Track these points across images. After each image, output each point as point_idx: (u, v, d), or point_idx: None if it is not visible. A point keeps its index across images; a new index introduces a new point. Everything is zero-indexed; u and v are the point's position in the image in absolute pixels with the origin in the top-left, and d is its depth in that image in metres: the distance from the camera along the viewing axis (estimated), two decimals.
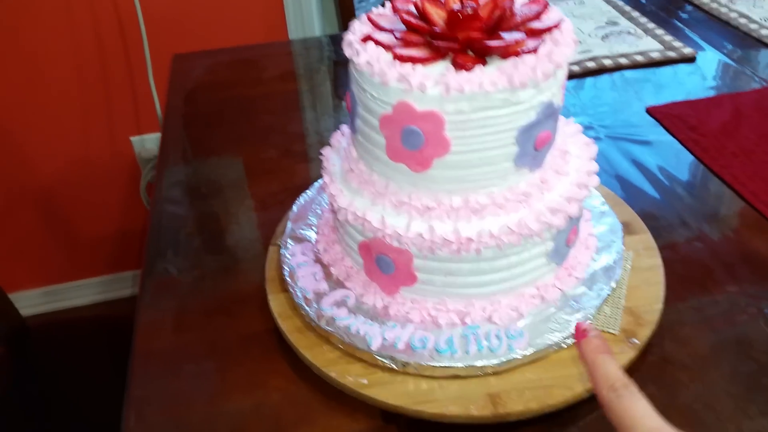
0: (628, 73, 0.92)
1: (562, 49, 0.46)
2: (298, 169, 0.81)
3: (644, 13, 1.05)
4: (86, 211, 1.70)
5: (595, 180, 0.53)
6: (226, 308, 0.62)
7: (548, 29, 0.47)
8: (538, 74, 0.44)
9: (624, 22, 1.02)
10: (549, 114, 0.48)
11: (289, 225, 0.66)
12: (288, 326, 0.56)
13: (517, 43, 0.45)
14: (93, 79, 1.47)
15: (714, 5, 1.05)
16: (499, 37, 0.46)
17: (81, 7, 1.37)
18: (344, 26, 1.28)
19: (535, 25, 0.48)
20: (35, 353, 1.60)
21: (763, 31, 0.96)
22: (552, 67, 0.45)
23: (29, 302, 1.78)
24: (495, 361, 0.50)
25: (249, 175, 0.81)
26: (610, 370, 0.37)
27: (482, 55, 0.46)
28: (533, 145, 0.48)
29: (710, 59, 0.94)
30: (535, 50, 0.45)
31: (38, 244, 1.71)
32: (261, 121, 0.92)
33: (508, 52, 0.45)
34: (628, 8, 1.06)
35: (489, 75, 0.44)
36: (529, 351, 0.50)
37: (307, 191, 0.71)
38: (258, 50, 1.15)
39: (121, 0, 1.37)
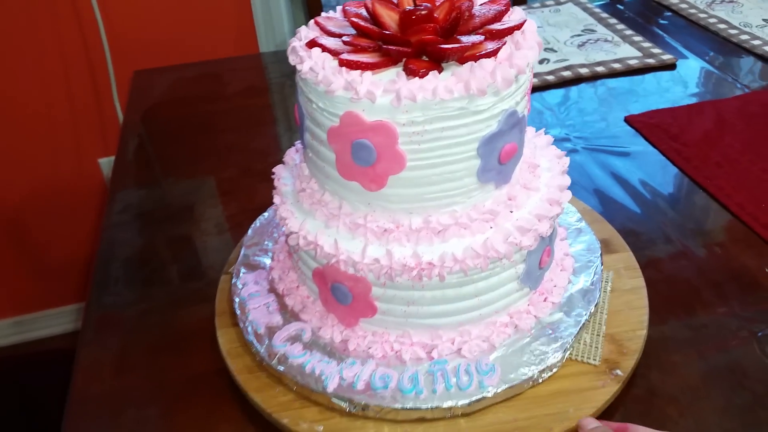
0: (606, 82, 0.88)
1: (525, 52, 0.41)
2: (259, 189, 0.75)
3: (622, 19, 1.01)
4: (56, 238, 1.64)
5: (568, 195, 0.48)
6: (173, 345, 0.57)
7: (509, 31, 0.43)
8: (497, 80, 0.40)
9: (601, 30, 0.98)
10: (513, 124, 0.43)
11: (243, 251, 0.61)
12: (237, 366, 0.51)
13: (475, 46, 0.41)
14: (58, 101, 1.42)
15: (693, 11, 1.02)
16: (456, 41, 0.41)
17: (44, 24, 1.32)
18: None
19: (496, 26, 0.43)
20: None
21: (743, 36, 0.93)
22: (513, 72, 0.40)
23: None
24: (465, 401, 0.45)
25: (205, 197, 0.76)
26: None
27: (437, 60, 0.41)
28: (497, 158, 0.44)
29: (691, 66, 0.90)
30: (494, 53, 0.40)
31: (7, 273, 1.64)
32: (222, 138, 0.87)
33: (465, 56, 0.41)
34: (605, 15, 1.02)
35: (444, 81, 0.39)
36: (502, 388, 0.45)
37: (265, 213, 0.65)
38: (225, 64, 1.10)
39: (84, 16, 1.32)
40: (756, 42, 0.91)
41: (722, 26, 0.97)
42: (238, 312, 0.54)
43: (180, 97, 0.99)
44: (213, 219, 0.72)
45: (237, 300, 0.55)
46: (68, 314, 1.77)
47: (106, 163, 1.55)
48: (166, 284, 0.64)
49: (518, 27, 0.43)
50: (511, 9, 0.45)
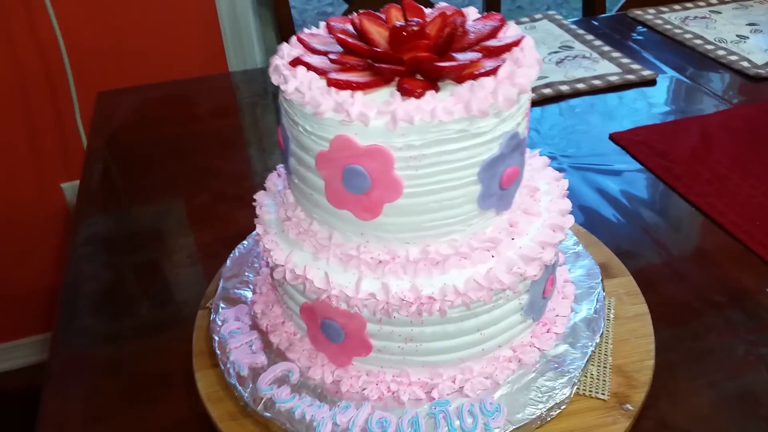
0: (587, 99, 0.87)
1: (526, 70, 0.39)
2: (234, 216, 0.71)
3: (597, 35, 1.01)
4: (15, 266, 1.55)
5: (570, 220, 0.45)
6: (147, 390, 0.52)
7: (507, 47, 0.40)
8: (499, 100, 0.37)
9: (578, 46, 0.98)
10: (514, 146, 0.40)
11: (222, 283, 0.56)
12: (219, 412, 0.47)
13: (473, 63, 0.38)
14: (17, 123, 1.36)
15: (668, 26, 1.02)
16: (452, 58, 0.39)
17: (0, 43, 1.26)
18: None
19: (492, 43, 0.41)
20: None
21: (720, 52, 0.93)
22: (515, 92, 0.38)
23: None
24: None
25: (177, 226, 0.71)
26: None
27: (433, 79, 0.39)
28: (499, 182, 0.41)
29: (669, 81, 0.90)
30: (494, 72, 0.38)
31: None
32: (192, 162, 0.83)
33: (463, 75, 0.38)
34: (581, 31, 1.02)
35: (442, 102, 0.37)
36: (509, 429, 0.42)
37: (244, 242, 0.61)
38: (192, 84, 1.06)
39: (43, 35, 1.27)
40: (733, 57, 0.92)
41: (698, 41, 0.97)
42: (218, 352, 0.50)
43: (147, 120, 0.94)
44: (185, 249, 0.68)
45: (216, 338, 0.51)
46: (28, 347, 1.68)
47: (69, 187, 1.49)
48: (136, 322, 0.59)
49: (516, 43, 0.41)
50: (506, 24, 0.43)
